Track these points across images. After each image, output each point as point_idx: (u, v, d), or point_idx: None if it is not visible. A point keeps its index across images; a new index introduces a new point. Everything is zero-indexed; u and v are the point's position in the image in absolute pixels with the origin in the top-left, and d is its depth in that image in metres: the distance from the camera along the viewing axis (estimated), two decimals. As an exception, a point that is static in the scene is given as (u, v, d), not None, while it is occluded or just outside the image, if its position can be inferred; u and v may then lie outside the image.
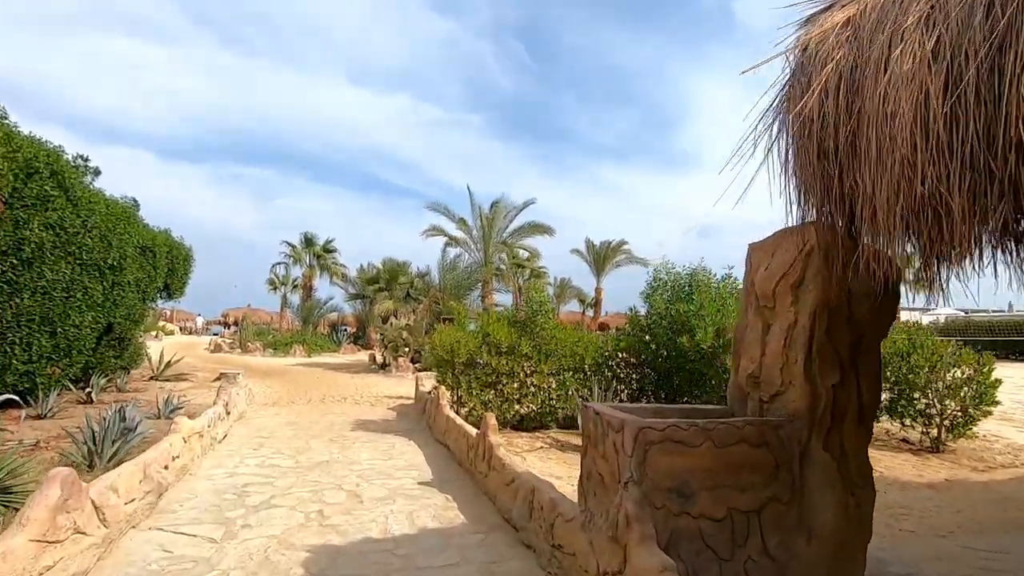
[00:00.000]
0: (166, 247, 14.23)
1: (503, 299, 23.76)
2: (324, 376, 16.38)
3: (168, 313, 55.63)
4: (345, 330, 31.46)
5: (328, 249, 32.53)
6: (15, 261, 7.08)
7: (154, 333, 35.00)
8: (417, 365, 16.95)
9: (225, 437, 6.98)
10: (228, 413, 7.61)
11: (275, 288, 39.15)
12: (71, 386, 9.55)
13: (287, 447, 6.85)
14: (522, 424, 8.05)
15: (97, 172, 10.89)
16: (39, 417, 7.87)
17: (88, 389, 9.48)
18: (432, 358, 8.47)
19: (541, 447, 6.91)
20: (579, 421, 6.99)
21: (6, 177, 6.72)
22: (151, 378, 13.50)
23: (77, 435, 5.99)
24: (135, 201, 14.00)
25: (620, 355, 8.66)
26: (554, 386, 8.11)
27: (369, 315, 26.77)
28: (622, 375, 8.61)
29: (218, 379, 14.52)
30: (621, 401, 8.57)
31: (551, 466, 5.97)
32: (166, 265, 14.25)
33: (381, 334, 19.09)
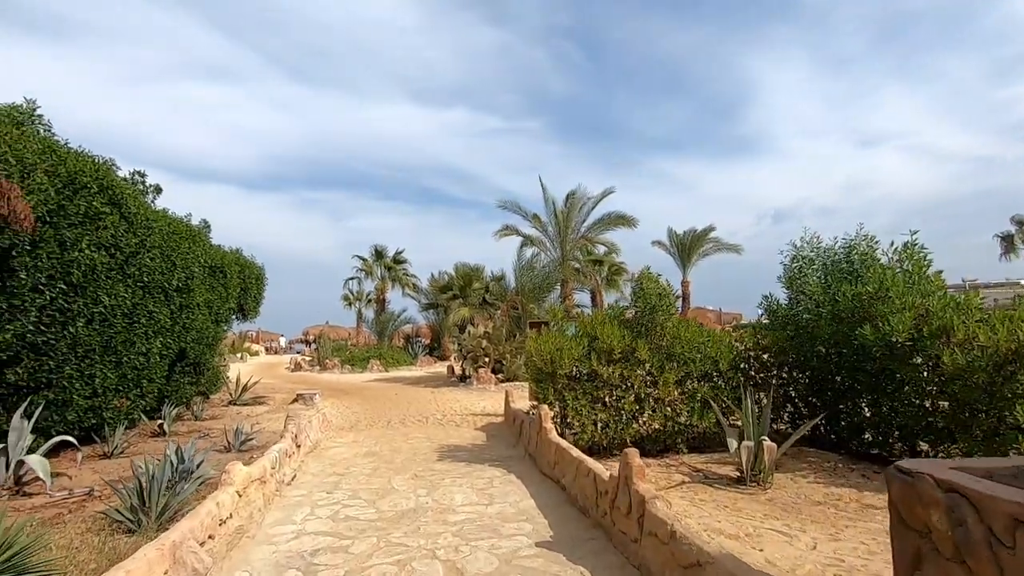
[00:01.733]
0: (237, 266, 13.79)
1: (582, 299, 22.18)
2: (402, 392, 15.46)
3: (254, 334, 58.18)
4: (420, 342, 30.95)
5: (398, 260, 32.22)
6: (64, 286, 6.36)
7: (239, 355, 36.14)
8: (499, 376, 15.69)
9: (294, 478, 5.88)
10: (298, 446, 6.56)
11: (350, 303, 39.50)
12: (144, 418, 8.97)
13: (366, 488, 5.65)
14: (642, 447, 6.47)
15: (158, 190, 10.37)
16: (105, 456, 7.17)
17: (160, 421, 8.83)
18: (528, 370, 7.07)
19: (682, 481, 5.31)
20: (728, 443, 5.34)
21: (47, 192, 6.00)
22: (229, 403, 13.01)
23: (130, 483, 5.10)
24: (206, 223, 13.66)
25: (752, 354, 6.91)
26: (680, 398, 6.49)
27: (443, 325, 25.96)
28: (759, 379, 6.85)
29: (295, 401, 13.90)
30: (785, 419, 6.81)
31: (709, 514, 4.37)
32: (238, 285, 13.79)
33: (459, 344, 18.04)
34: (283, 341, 59.67)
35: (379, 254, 32.35)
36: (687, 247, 25.60)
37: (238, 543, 4.06)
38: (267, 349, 56.26)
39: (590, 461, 4.67)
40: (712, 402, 6.06)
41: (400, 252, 32.44)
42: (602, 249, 21.65)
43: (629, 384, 6.49)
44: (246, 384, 13.45)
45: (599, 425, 6.35)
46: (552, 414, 6.44)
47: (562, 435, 6.30)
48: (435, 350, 28.67)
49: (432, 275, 24.28)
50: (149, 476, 4.68)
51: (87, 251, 6.70)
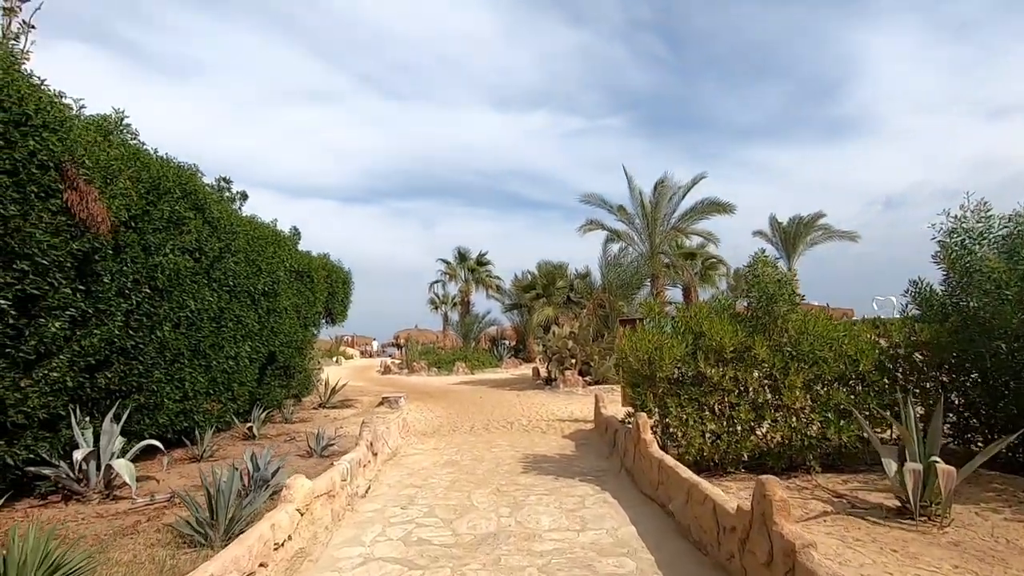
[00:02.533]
0: (324, 271, 14.00)
1: (673, 295, 20.73)
2: (487, 396, 15.03)
3: (349, 339, 61.11)
4: (505, 344, 30.69)
5: (481, 262, 32.19)
6: (149, 290, 6.39)
7: (335, 359, 37.80)
8: (587, 378, 14.83)
9: (368, 490, 5.45)
10: (375, 455, 6.16)
11: (436, 307, 40.15)
12: (236, 421, 9.09)
13: (443, 504, 5.09)
14: (763, 464, 5.43)
15: (244, 196, 10.63)
16: (195, 459, 7.21)
17: (249, 424, 8.88)
18: (621, 372, 6.23)
19: (823, 512, 4.26)
20: (884, 464, 4.21)
21: (129, 198, 6.03)
22: (319, 405, 13.17)
23: (198, 495, 4.90)
24: (296, 230, 13.98)
25: (901, 352, 5.62)
26: (810, 405, 5.37)
27: (528, 325, 25.44)
28: (910, 385, 5.55)
29: (381, 404, 13.86)
30: (946, 432, 5.49)
31: (873, 561, 3.33)
32: (325, 289, 14.00)
33: (543, 345, 17.41)
34: (376, 345, 62.15)
35: (462, 257, 32.49)
36: (792, 236, 23.25)
37: (298, 568, 3.61)
38: (362, 353, 58.86)
39: (706, 485, 3.78)
40: (855, 411, 4.91)
41: (483, 254, 32.43)
42: (695, 241, 20.08)
43: (744, 388, 5.47)
44: (334, 387, 13.57)
45: (708, 437, 5.38)
46: (651, 423, 5.56)
47: (663, 448, 5.41)
48: (520, 352, 28.23)
49: (515, 275, 23.87)
50: (216, 487, 4.39)
51: (171, 255, 6.74)
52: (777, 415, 5.36)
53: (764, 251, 5.91)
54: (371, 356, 54.82)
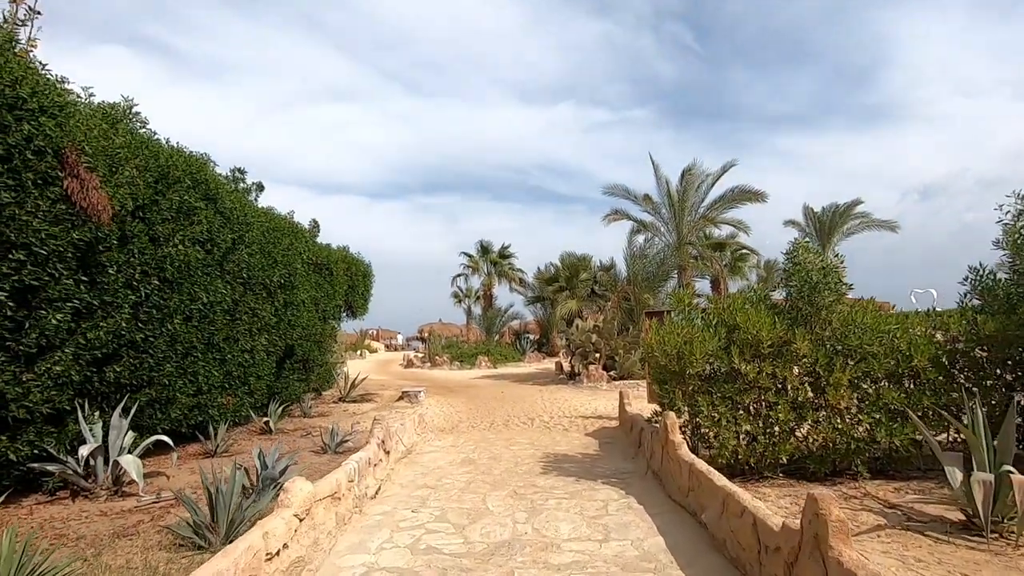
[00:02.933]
0: (344, 264, 13.85)
1: (701, 287, 20.09)
2: (509, 390, 14.73)
3: (374, 332, 61.61)
4: (528, 338, 30.36)
5: (504, 255, 31.83)
6: (158, 282, 6.23)
7: (359, 352, 38.01)
8: (612, 373, 14.40)
9: (379, 491, 5.18)
10: (387, 452, 5.89)
11: (459, 300, 40.03)
12: (254, 416, 8.96)
13: (456, 507, 4.79)
14: (804, 468, 4.98)
15: (260, 187, 10.49)
16: (208, 455, 7.07)
17: (266, 418, 8.74)
18: (647, 367, 5.84)
19: (877, 525, 3.81)
20: (947, 473, 3.74)
21: (136, 186, 5.85)
22: (339, 399, 13.05)
23: (200, 495, 4.71)
24: (315, 223, 13.86)
25: (961, 347, 5.08)
26: (858, 405, 4.90)
27: (551, 319, 25.03)
28: (969, 383, 5.01)
29: (401, 399, 13.68)
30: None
31: (940, 585, 2.90)
32: (345, 282, 13.85)
33: (566, 339, 17.02)
34: (400, 339, 62.51)
35: (485, 250, 32.18)
36: (827, 225, 22.26)
37: (295, 580, 3.34)
38: (387, 347, 59.28)
39: (744, 495, 3.38)
40: (910, 412, 4.42)
41: (506, 247, 32.06)
42: (725, 231, 19.33)
43: (782, 386, 5.02)
44: (354, 381, 13.43)
45: (742, 438, 4.96)
46: (680, 423, 5.16)
47: (694, 450, 5.01)
48: (543, 346, 27.87)
49: (538, 268, 23.45)
50: (216, 487, 4.16)
51: (181, 246, 6.57)
52: (820, 415, 4.90)
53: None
54: (396, 350, 55.16)
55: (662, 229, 17.50)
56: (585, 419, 9.45)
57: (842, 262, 5.14)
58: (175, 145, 7.06)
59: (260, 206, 9.65)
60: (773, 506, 4.22)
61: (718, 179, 17.15)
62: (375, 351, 45.08)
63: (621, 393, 8.09)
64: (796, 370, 5.01)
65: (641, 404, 9.55)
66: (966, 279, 5.53)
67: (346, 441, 7.42)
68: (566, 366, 16.62)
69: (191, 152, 7.36)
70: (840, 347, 4.94)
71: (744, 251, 23.26)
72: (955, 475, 3.68)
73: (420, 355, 32.22)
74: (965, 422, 3.98)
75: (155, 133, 7.07)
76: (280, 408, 9.16)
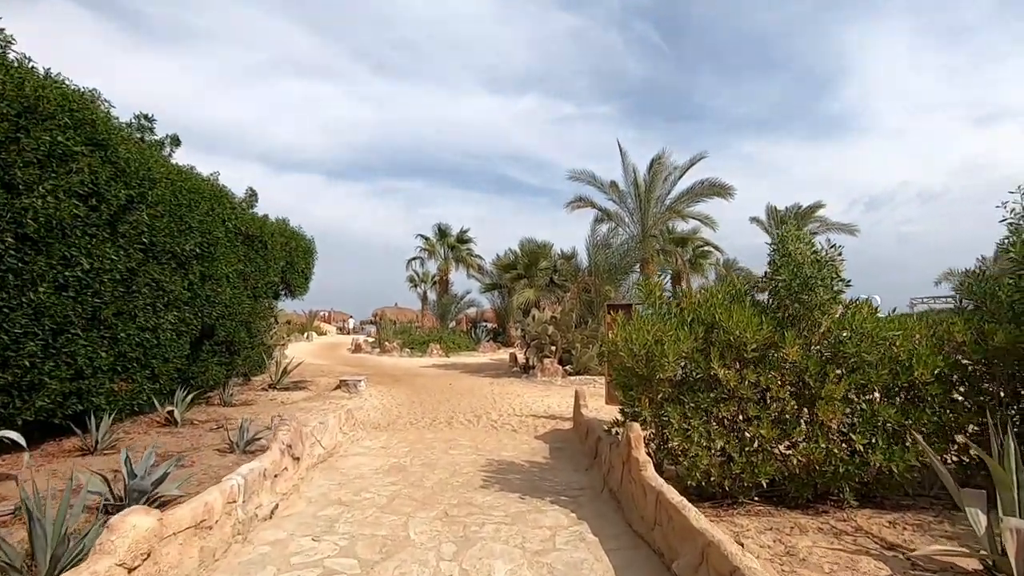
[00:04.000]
0: (281, 237, 12.51)
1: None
2: (458, 382, 13.82)
3: (326, 314, 59.46)
4: (484, 327, 29.44)
5: (463, 239, 30.67)
6: (13, 240, 4.99)
7: (305, 334, 36.29)
8: (568, 368, 13.68)
9: (275, 510, 4.18)
10: (295, 459, 4.89)
11: (415, 285, 38.77)
12: (158, 404, 7.72)
13: (370, 534, 3.86)
14: (783, 491, 4.29)
15: (175, 141, 9.14)
16: (86, 451, 5.89)
17: (171, 407, 7.54)
18: (611, 369, 5.05)
19: (877, 574, 3.10)
20: (970, 517, 3.06)
21: (-16, 117, 4.59)
22: (269, 386, 11.83)
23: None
24: (252, 191, 12.49)
25: (973, 359, 4.48)
26: (844, 421, 4.22)
27: (508, 308, 24.20)
28: (967, 400, 4.42)
29: (338, 387, 12.57)
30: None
31: None
32: (282, 258, 12.54)
33: (522, 330, 16.22)
34: (352, 322, 60.55)
35: (443, 233, 30.92)
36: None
37: (112, 658, 2.34)
38: (340, 329, 57.25)
39: (730, 547, 2.58)
40: (915, 434, 3.76)
41: (465, 231, 30.91)
42: (690, 225, 18.83)
43: (763, 396, 4.30)
44: (286, 367, 12.22)
45: (716, 456, 4.21)
46: (645, 435, 4.38)
47: (659, 468, 4.24)
48: (499, 335, 27.03)
49: (497, 255, 22.42)
50: (31, 511, 3.10)
51: (51, 198, 5.31)
52: (810, 431, 4.20)
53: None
54: (348, 333, 53.21)
55: (627, 220, 16.86)
56: (536, 419, 8.65)
57: (839, 253, 4.42)
58: (48, 72, 5.75)
59: (174, 163, 8.32)
60: (754, 544, 3.49)
61: (686, 171, 16.63)
62: (324, 334, 43.28)
63: (577, 393, 7.31)
64: (787, 378, 4.29)
65: (598, 404, 8.84)
66: (959, 282, 4.94)
67: (258, 439, 6.35)
68: (520, 358, 15.83)
69: (76, 86, 6.06)
70: (833, 354, 4.24)
71: (707, 248, 23.01)
72: (979, 520, 3.01)
73: (371, 340, 30.92)
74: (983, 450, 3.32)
75: (30, 60, 5.74)
76: (191, 396, 7.97)
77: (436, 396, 11.41)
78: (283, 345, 21.55)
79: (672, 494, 3.38)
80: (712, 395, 4.25)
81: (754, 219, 23.05)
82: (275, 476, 4.33)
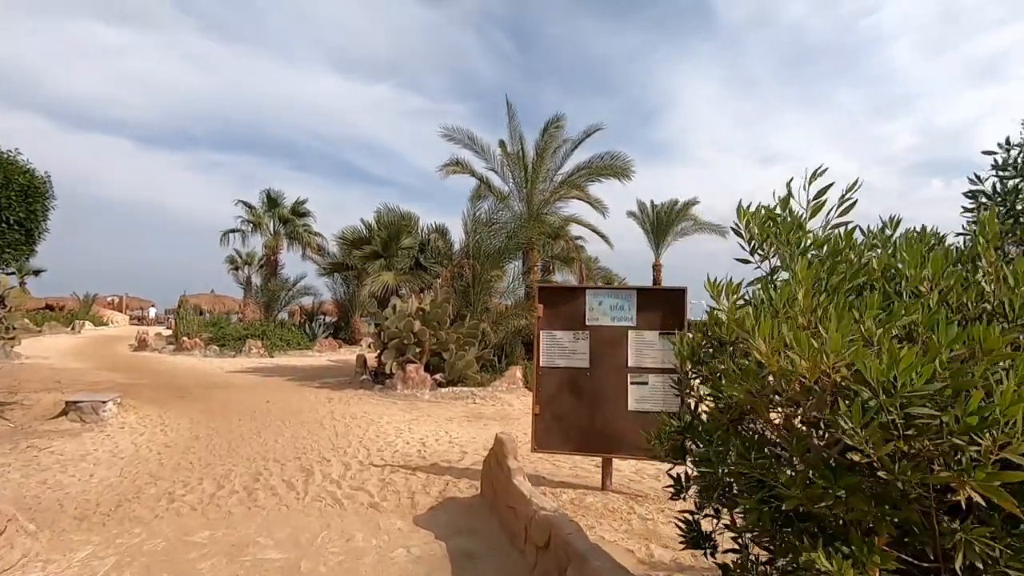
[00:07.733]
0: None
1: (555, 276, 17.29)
2: (280, 397, 9.67)
3: (115, 300, 48.04)
4: (323, 320, 24.49)
5: (298, 211, 25.13)
6: None
7: (71, 325, 27.79)
8: (438, 377, 10.31)
9: None
10: None
11: (236, 268, 32.00)
12: None
13: None
14: None
15: None
16: None
17: None
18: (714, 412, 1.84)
19: None
20: None
21: None
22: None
23: None
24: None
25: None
26: None
27: (355, 297, 19.85)
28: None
29: (62, 414, 7.77)
30: None
31: None
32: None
33: (377, 325, 12.51)
34: (153, 312, 49.79)
35: (272, 202, 25.05)
36: (663, 222, 21.31)
37: None
38: (139, 319, 46.46)
39: None
40: None
41: (301, 202, 25.38)
42: (571, 210, 16.51)
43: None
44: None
45: None
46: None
47: None
48: (342, 331, 22.45)
49: (342, 231, 17.87)
50: None
51: None
52: None
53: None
54: (149, 324, 43.22)
55: (512, 191, 14.00)
56: (410, 472, 5.21)
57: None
58: None
59: None
60: None
61: (579, 144, 14.26)
62: (106, 323, 34.06)
63: (499, 439, 4.06)
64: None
65: (515, 428, 5.58)
66: None
67: None
68: (372, 361, 12.07)
69: None
70: None
71: (577, 241, 21.18)
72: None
73: (167, 334, 24.20)
74: None
75: None
76: None
77: (241, 424, 7.30)
78: (13, 339, 14.93)
79: None
80: None
81: (631, 213, 21.95)
82: None
